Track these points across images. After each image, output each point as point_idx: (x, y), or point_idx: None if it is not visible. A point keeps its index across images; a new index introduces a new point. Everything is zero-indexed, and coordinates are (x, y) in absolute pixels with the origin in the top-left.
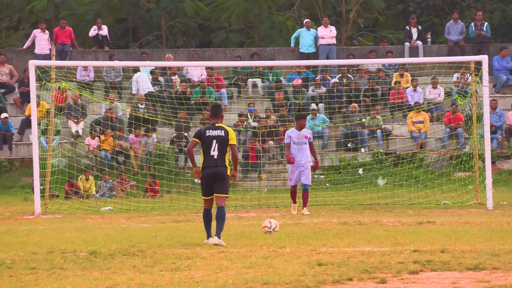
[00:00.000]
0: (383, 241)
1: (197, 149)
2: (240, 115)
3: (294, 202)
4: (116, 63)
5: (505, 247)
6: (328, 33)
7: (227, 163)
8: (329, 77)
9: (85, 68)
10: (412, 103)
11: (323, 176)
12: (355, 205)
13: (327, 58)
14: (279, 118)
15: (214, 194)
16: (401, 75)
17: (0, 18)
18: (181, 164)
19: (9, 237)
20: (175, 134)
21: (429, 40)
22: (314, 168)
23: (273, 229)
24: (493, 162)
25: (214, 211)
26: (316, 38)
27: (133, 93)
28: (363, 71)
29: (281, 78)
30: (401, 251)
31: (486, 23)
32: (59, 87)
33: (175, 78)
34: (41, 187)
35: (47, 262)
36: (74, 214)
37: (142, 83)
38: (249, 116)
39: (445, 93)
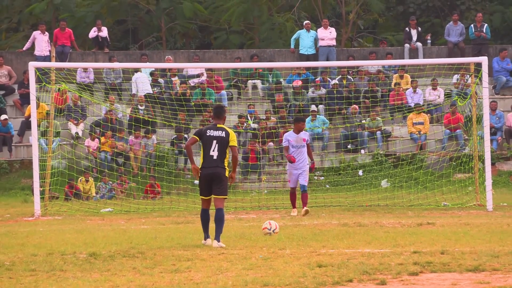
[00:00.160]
0: (383, 243)
1: (197, 150)
2: (240, 116)
3: (294, 207)
4: (116, 65)
5: (505, 249)
6: (328, 35)
7: (226, 164)
8: (329, 79)
9: (85, 69)
10: (412, 104)
11: (323, 177)
12: (355, 207)
13: (327, 60)
14: (279, 120)
15: (213, 196)
16: (401, 77)
17: (0, 20)
18: (181, 166)
19: (8, 239)
20: (175, 136)
21: (429, 41)
22: (310, 169)
23: (273, 231)
24: (493, 164)
25: (212, 211)
26: (316, 40)
27: (132, 93)
28: (363, 72)
29: (281, 80)
30: (401, 253)
31: (486, 25)
32: (59, 89)
33: (175, 80)
34: (41, 189)
35: (46, 264)
36: (74, 215)
37: (142, 84)
38: (249, 118)
39: (445, 95)
